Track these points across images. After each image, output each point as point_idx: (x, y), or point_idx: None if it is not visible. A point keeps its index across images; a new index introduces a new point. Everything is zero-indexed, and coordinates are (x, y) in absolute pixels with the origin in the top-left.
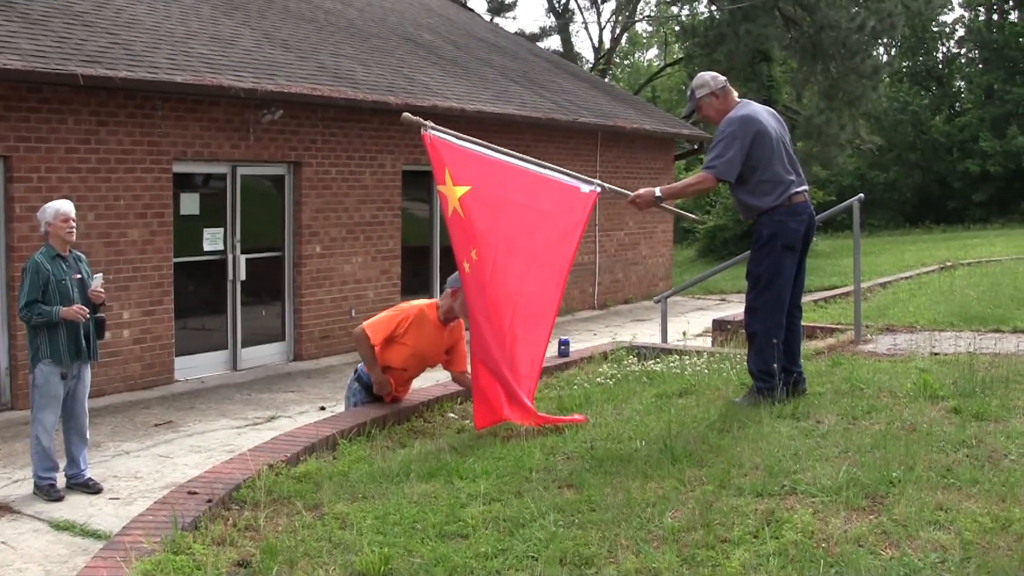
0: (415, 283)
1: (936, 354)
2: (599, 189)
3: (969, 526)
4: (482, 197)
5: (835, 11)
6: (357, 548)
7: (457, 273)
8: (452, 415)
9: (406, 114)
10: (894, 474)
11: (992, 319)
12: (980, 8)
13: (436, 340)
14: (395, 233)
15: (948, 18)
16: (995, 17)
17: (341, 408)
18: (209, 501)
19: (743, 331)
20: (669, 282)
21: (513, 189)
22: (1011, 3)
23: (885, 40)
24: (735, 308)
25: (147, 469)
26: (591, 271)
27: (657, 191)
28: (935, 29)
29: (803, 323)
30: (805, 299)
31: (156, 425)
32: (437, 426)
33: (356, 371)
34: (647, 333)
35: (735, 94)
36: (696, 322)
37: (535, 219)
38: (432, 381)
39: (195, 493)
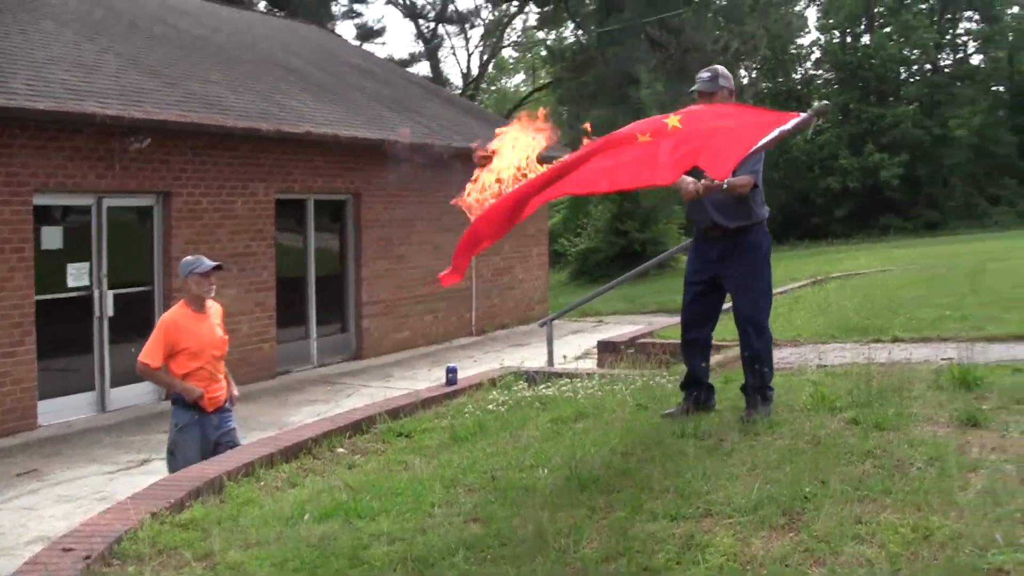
0: (289, 315)
1: (823, 366)
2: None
3: (891, 538)
4: None
5: (700, 34)
6: None
7: (187, 260)
8: (341, 450)
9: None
10: (807, 489)
11: (871, 329)
12: (835, 31)
13: (206, 327)
14: (268, 264)
15: (805, 40)
16: (849, 40)
17: None
18: (87, 558)
19: (669, 355)
20: (545, 306)
21: None
22: (863, 27)
23: (748, 62)
24: (614, 330)
25: (9, 523)
26: (468, 297)
27: (724, 183)
28: (793, 51)
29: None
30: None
31: (18, 475)
32: (327, 462)
33: (171, 399)
34: (528, 357)
35: None
36: (575, 345)
37: None
38: (317, 416)
39: (71, 550)
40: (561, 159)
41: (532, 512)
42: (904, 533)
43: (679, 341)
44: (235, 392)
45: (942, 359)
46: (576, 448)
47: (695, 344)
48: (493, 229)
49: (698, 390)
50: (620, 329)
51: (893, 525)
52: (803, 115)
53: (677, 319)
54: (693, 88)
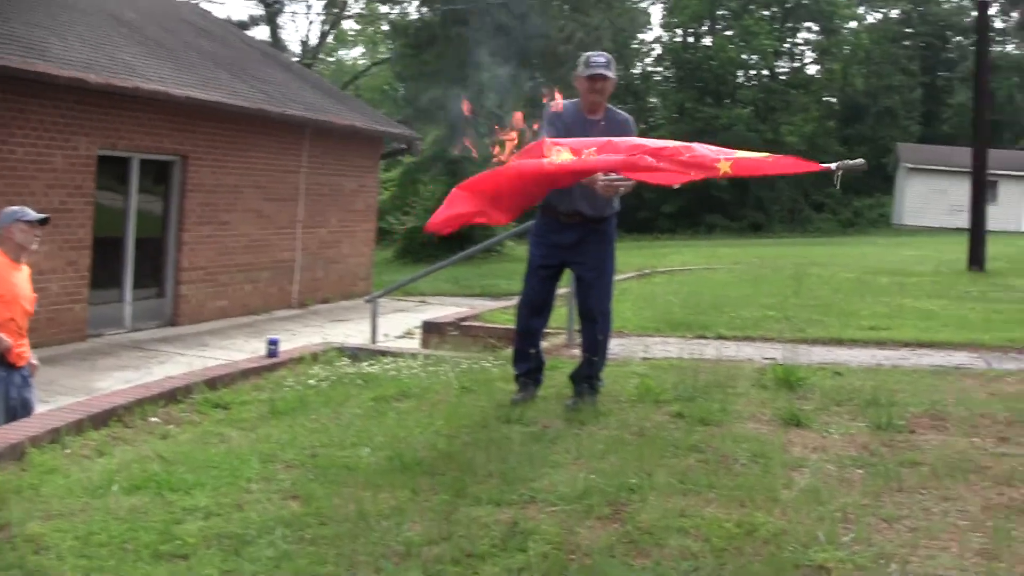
0: (104, 276)
1: (649, 359)
2: None
3: (716, 532)
4: None
5: (545, 21)
6: (57, 574)
7: (11, 209)
8: (155, 419)
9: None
10: (632, 480)
11: (696, 325)
12: (678, 30)
13: (22, 279)
14: (86, 222)
15: (648, 36)
16: (691, 39)
17: None
18: None
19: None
20: (369, 282)
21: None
22: (706, 28)
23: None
24: (438, 310)
25: None
26: (291, 268)
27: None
28: (635, 46)
29: (509, 326)
30: (508, 303)
31: None
32: (139, 432)
33: None
34: (351, 334)
35: None
36: (398, 324)
37: None
38: (127, 383)
39: None
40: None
41: (353, 492)
42: (728, 528)
43: (509, 325)
44: (34, 361)
45: (765, 358)
46: (399, 428)
47: (538, 330)
48: (502, 205)
49: (538, 373)
50: (444, 310)
51: (717, 520)
52: (828, 165)
53: (501, 303)
54: (592, 72)
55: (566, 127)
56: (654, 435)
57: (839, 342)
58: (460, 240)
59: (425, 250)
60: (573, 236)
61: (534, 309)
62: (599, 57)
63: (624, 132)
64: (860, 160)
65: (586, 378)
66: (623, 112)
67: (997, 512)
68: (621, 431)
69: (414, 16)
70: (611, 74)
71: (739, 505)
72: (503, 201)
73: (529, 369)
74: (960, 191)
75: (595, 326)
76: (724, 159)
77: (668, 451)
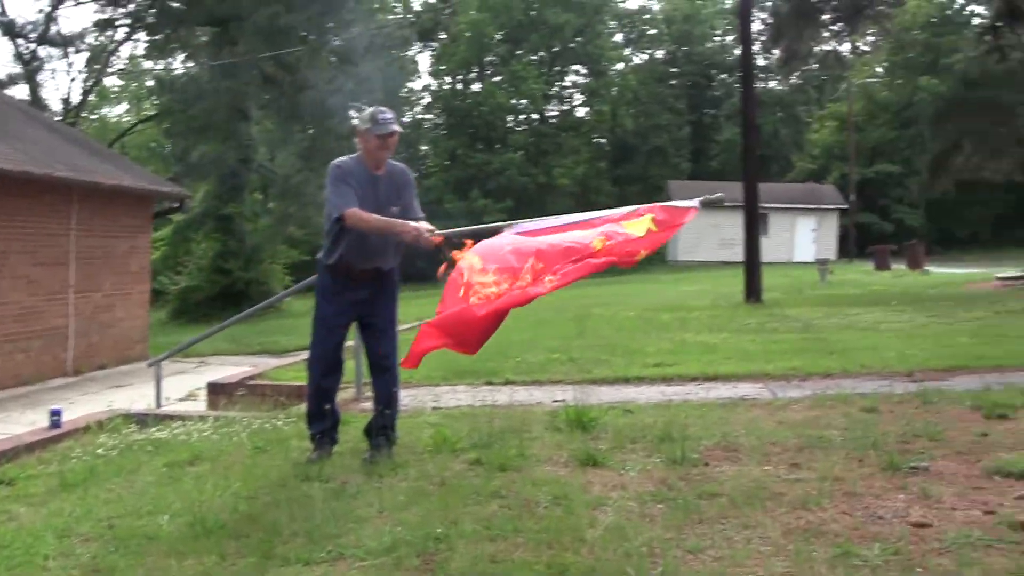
0: None
1: (440, 408)
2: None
3: (528, 575)
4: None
5: (314, 73)
6: None
7: None
8: None
9: None
10: (439, 530)
11: (484, 372)
12: (447, 77)
13: None
14: None
15: (417, 85)
16: (460, 86)
17: None
18: None
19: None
20: (146, 345)
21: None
22: (474, 74)
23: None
24: (220, 371)
25: None
26: (64, 335)
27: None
28: (404, 95)
29: (299, 383)
30: (292, 360)
31: None
32: None
33: None
34: (133, 399)
35: None
36: (179, 386)
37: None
38: None
39: None
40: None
41: (157, 560)
42: (539, 570)
43: (296, 383)
44: None
45: (555, 401)
46: (197, 493)
47: (333, 387)
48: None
49: (334, 431)
50: (226, 370)
51: (528, 563)
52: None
53: (284, 360)
54: (387, 131)
55: (359, 184)
56: (455, 484)
57: (626, 380)
58: (235, 297)
59: (200, 309)
60: (367, 291)
61: (329, 367)
62: (388, 113)
63: (405, 183)
64: (720, 194)
65: (381, 431)
66: (399, 164)
67: (797, 536)
68: (422, 482)
69: (180, 71)
70: (399, 127)
71: (547, 547)
72: (476, 338)
73: (325, 428)
74: (731, 225)
75: (389, 377)
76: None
77: (470, 499)
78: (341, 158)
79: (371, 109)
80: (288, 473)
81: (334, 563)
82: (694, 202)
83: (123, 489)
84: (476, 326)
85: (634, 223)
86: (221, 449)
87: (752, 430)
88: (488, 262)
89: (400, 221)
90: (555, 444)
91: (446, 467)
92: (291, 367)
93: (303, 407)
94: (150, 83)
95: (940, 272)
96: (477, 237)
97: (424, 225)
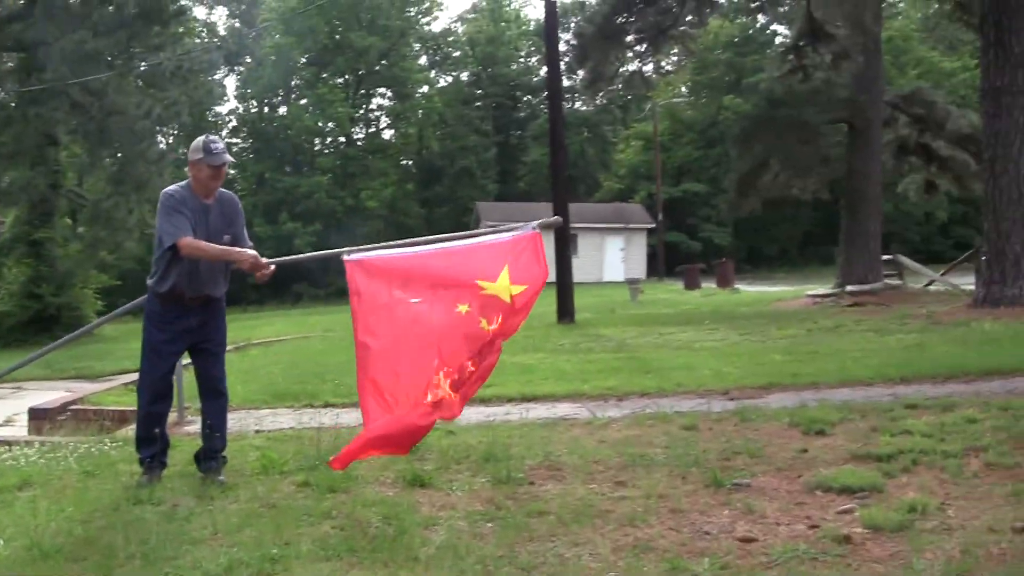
0: None
1: (262, 431)
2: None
3: None
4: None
5: (123, 97)
6: None
7: None
8: None
9: None
10: (274, 551)
11: (303, 395)
12: (253, 101)
13: None
14: None
15: (224, 109)
16: (266, 110)
17: None
18: None
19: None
20: None
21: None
22: (280, 98)
23: (172, 127)
24: (38, 396)
25: None
26: None
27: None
28: (212, 119)
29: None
30: (116, 383)
31: None
32: None
33: None
34: None
35: None
36: None
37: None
38: None
39: None
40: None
41: None
42: None
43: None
44: None
45: None
46: (30, 517)
47: (164, 413)
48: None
49: (163, 455)
50: (44, 395)
51: None
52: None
53: (103, 385)
54: (221, 161)
55: (191, 212)
56: (286, 506)
57: None
58: (47, 322)
59: (12, 335)
60: (198, 317)
61: (158, 394)
62: (219, 143)
63: (235, 212)
64: (557, 218)
65: (212, 454)
66: (227, 192)
67: (626, 552)
68: (253, 504)
69: None
70: (231, 159)
71: (383, 566)
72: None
73: (154, 452)
74: None
75: (224, 401)
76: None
77: (303, 520)
78: (171, 187)
79: (201, 139)
80: (120, 497)
81: None
82: (531, 225)
83: None
84: (418, 433)
85: (494, 287)
86: (50, 474)
87: (574, 449)
88: (392, 368)
89: (236, 249)
90: (381, 465)
91: (275, 489)
92: (111, 391)
93: (130, 431)
94: None
95: (750, 290)
96: (308, 263)
97: (251, 253)
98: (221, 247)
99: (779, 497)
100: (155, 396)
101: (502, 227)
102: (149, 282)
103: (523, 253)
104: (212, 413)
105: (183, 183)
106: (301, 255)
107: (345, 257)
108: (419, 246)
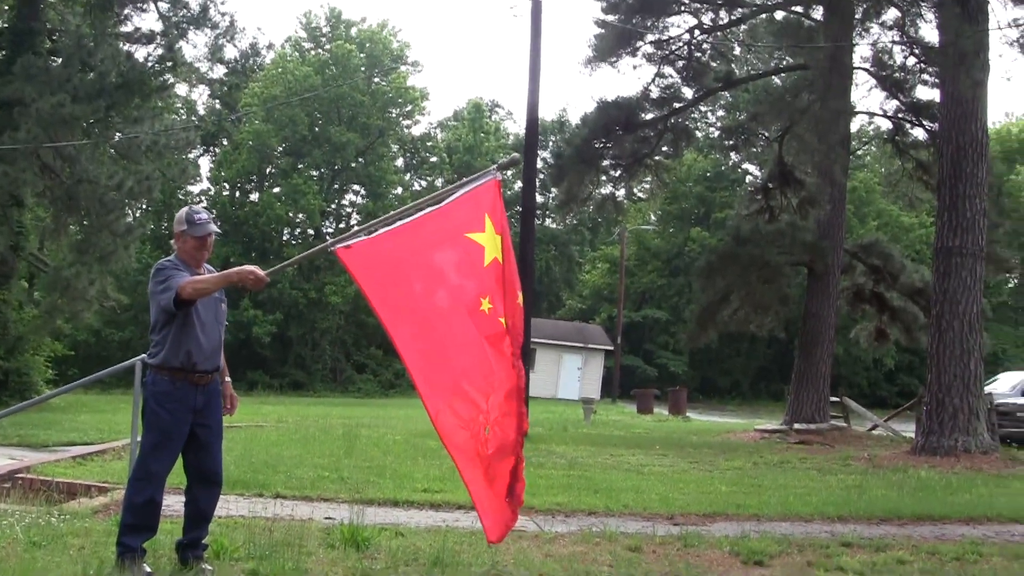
0: None
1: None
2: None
3: None
4: None
5: (95, 166)
6: None
7: None
8: None
9: None
10: None
11: (253, 484)
12: (226, 184)
13: None
14: None
15: (196, 188)
16: (238, 195)
17: None
18: None
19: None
20: None
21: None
22: (253, 183)
23: (142, 202)
24: None
25: None
26: None
27: None
28: (182, 197)
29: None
30: (65, 454)
31: None
32: None
33: None
34: None
35: None
36: None
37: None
38: None
39: None
40: None
41: None
42: None
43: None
44: None
45: (325, 518)
46: None
47: (160, 500)
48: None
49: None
50: None
51: None
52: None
53: (44, 455)
54: (208, 231)
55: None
56: None
57: (396, 503)
58: None
59: None
60: (204, 397)
61: (162, 481)
62: (203, 214)
63: None
64: (514, 155)
65: (199, 546)
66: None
67: None
68: None
69: None
70: (218, 230)
71: None
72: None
73: (144, 540)
74: None
75: (216, 490)
76: None
77: None
78: (162, 259)
79: (185, 210)
80: (68, 571)
81: None
82: (491, 170)
83: None
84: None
85: (483, 237)
86: None
87: (521, 560)
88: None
89: (235, 269)
90: (330, 560)
91: (226, 575)
92: (59, 463)
93: (79, 505)
94: None
95: (701, 419)
96: (299, 263)
97: (248, 267)
98: (220, 273)
99: None
100: (161, 482)
101: (465, 179)
102: (153, 360)
103: (496, 200)
104: (203, 502)
105: (171, 257)
106: (292, 258)
107: (337, 247)
108: (399, 220)
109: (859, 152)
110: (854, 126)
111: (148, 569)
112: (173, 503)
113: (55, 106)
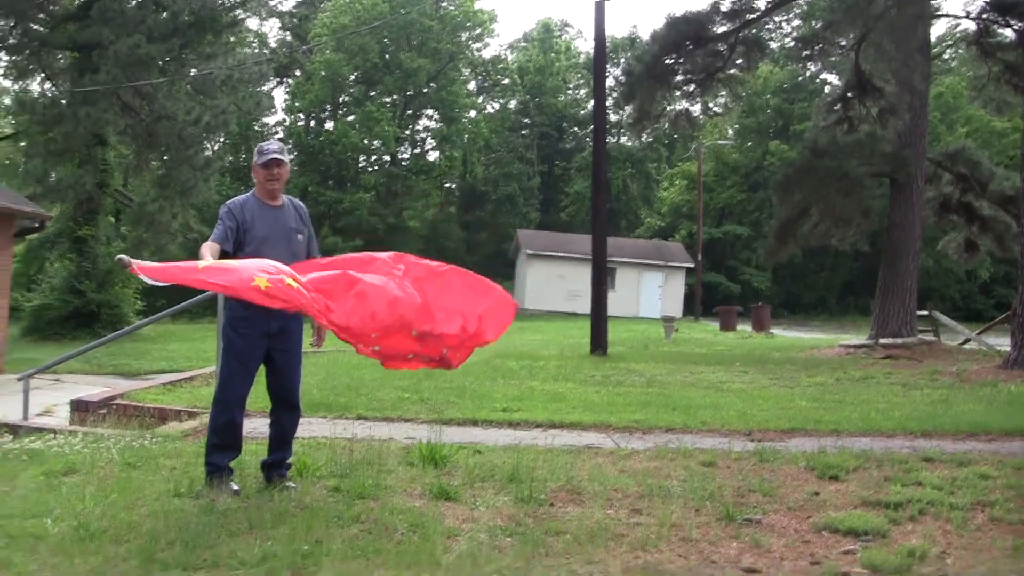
0: None
1: (297, 438)
2: None
3: None
4: None
5: (173, 103)
6: None
7: None
8: None
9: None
10: (306, 547)
11: (336, 407)
12: (300, 114)
13: None
14: None
15: (271, 120)
16: (313, 124)
17: None
18: None
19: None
20: (2, 360)
21: None
22: (328, 112)
23: (219, 135)
24: (76, 389)
25: None
26: None
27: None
28: (258, 129)
29: (161, 405)
30: (155, 382)
31: None
32: None
33: None
34: None
35: None
36: (36, 402)
37: None
38: None
39: None
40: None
41: (48, 558)
42: None
43: (157, 404)
44: None
45: (406, 438)
46: (76, 501)
47: (240, 420)
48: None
49: (234, 460)
50: (81, 389)
51: None
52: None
53: (141, 383)
54: (268, 159)
55: (245, 219)
56: (317, 508)
57: (475, 423)
58: (87, 318)
59: (52, 328)
60: (279, 322)
61: (242, 401)
62: (272, 144)
63: (305, 216)
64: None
65: (280, 462)
66: (296, 199)
67: (635, 573)
68: (286, 504)
69: (37, 93)
70: (286, 159)
71: (407, 567)
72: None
73: (230, 458)
74: (578, 277)
75: (295, 414)
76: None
77: (333, 521)
78: (232, 199)
79: (260, 144)
80: (161, 488)
81: (211, 570)
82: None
83: (5, 492)
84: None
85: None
86: (94, 462)
87: (596, 476)
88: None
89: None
90: (409, 478)
91: (308, 492)
92: (151, 390)
93: (170, 428)
94: (7, 102)
95: (785, 336)
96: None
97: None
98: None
99: (787, 534)
100: (239, 403)
101: None
102: None
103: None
104: (283, 424)
105: (251, 192)
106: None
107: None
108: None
109: (945, 56)
110: (940, 29)
111: (235, 487)
112: (259, 425)
113: (132, 47)
